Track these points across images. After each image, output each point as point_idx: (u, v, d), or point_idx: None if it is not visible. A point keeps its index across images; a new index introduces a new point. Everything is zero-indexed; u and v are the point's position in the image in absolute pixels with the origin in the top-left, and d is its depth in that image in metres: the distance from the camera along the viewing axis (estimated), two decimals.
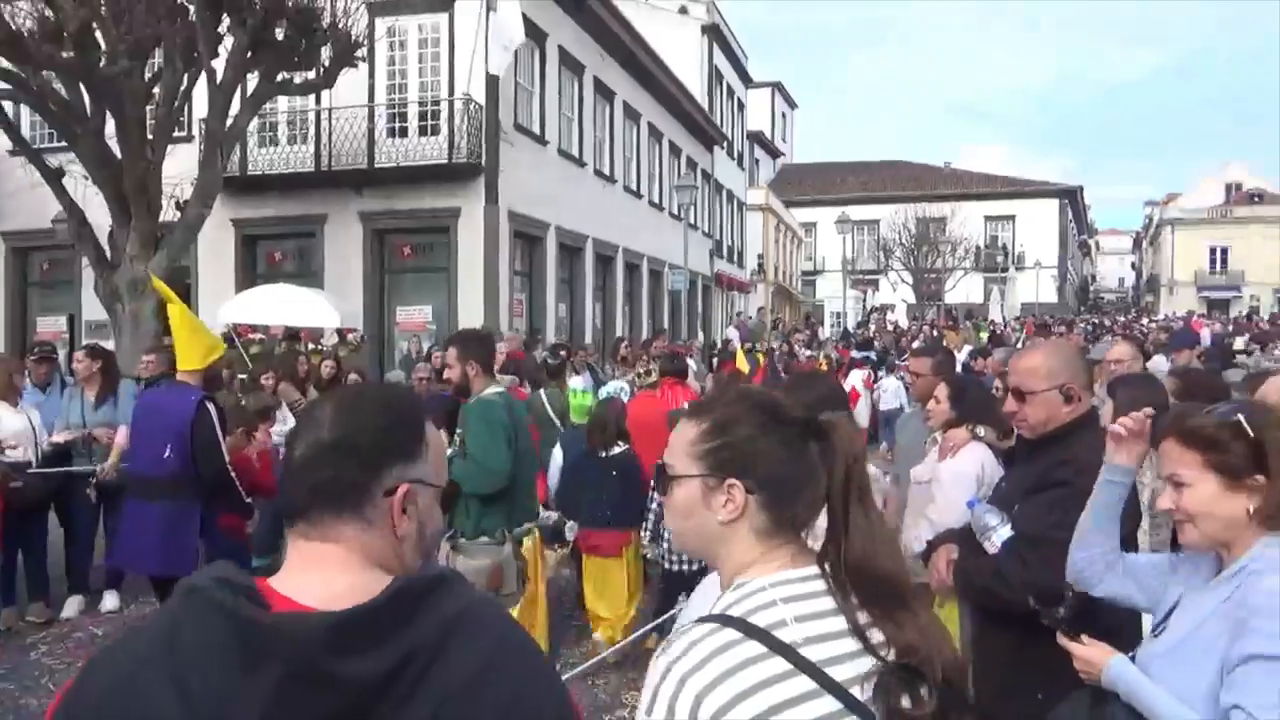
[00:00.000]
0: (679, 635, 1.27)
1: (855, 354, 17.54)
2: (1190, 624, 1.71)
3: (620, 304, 22.01)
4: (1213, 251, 58.25)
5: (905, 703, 1.22)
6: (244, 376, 9.12)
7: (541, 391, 7.77)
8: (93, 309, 13.54)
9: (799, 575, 1.30)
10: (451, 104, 14.98)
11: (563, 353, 9.43)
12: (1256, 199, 60.17)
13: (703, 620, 1.27)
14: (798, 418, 1.37)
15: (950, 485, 3.43)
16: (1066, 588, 2.02)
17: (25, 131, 12.09)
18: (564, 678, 1.46)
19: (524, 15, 16.08)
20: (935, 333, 24.47)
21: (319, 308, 12.98)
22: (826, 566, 1.31)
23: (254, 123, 12.82)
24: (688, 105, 26.54)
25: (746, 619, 1.24)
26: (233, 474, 5.00)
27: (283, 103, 14.66)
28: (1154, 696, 1.64)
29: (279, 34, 10.31)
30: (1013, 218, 48.52)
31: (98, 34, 9.37)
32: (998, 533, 2.17)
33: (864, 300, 42.02)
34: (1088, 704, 1.73)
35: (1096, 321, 34.54)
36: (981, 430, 3.69)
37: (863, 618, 1.26)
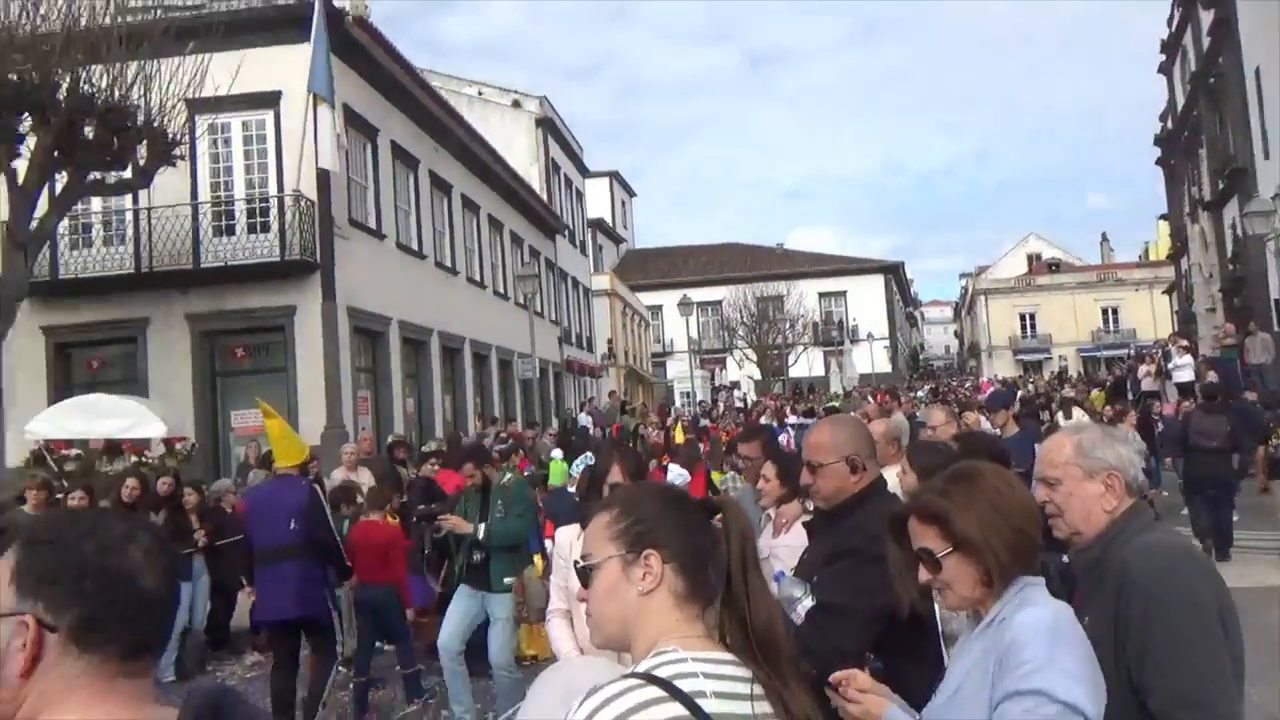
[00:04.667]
0: (596, 691, 1.28)
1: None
2: (959, 675, 1.83)
3: (470, 395, 21.76)
4: (1023, 317, 63.20)
5: None
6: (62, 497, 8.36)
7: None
8: None
9: (716, 656, 1.35)
10: (281, 200, 14.69)
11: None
12: (1054, 268, 65.94)
13: (626, 676, 1.30)
14: (694, 497, 1.51)
15: (786, 560, 3.50)
16: (865, 653, 2.11)
17: None
18: None
19: (355, 111, 16.11)
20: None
21: (141, 417, 12.23)
22: (727, 640, 1.38)
23: (64, 224, 12.16)
24: (526, 195, 26.96)
25: (671, 681, 1.28)
26: (339, 541, 6.40)
27: (96, 203, 14.01)
28: None
29: (88, 132, 9.89)
30: (844, 293, 51.22)
31: None
32: (802, 604, 2.24)
33: (712, 379, 43.11)
34: None
35: (933, 387, 36.59)
36: (812, 504, 3.79)
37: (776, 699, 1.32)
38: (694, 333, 36.84)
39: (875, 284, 52.33)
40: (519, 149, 28.95)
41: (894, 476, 4.15)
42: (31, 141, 9.75)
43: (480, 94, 30.72)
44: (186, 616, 8.22)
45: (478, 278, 22.91)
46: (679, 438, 14.47)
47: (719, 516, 1.46)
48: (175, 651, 8.00)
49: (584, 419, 23.88)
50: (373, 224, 16.99)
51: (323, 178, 14.65)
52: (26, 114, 9.51)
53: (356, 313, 15.83)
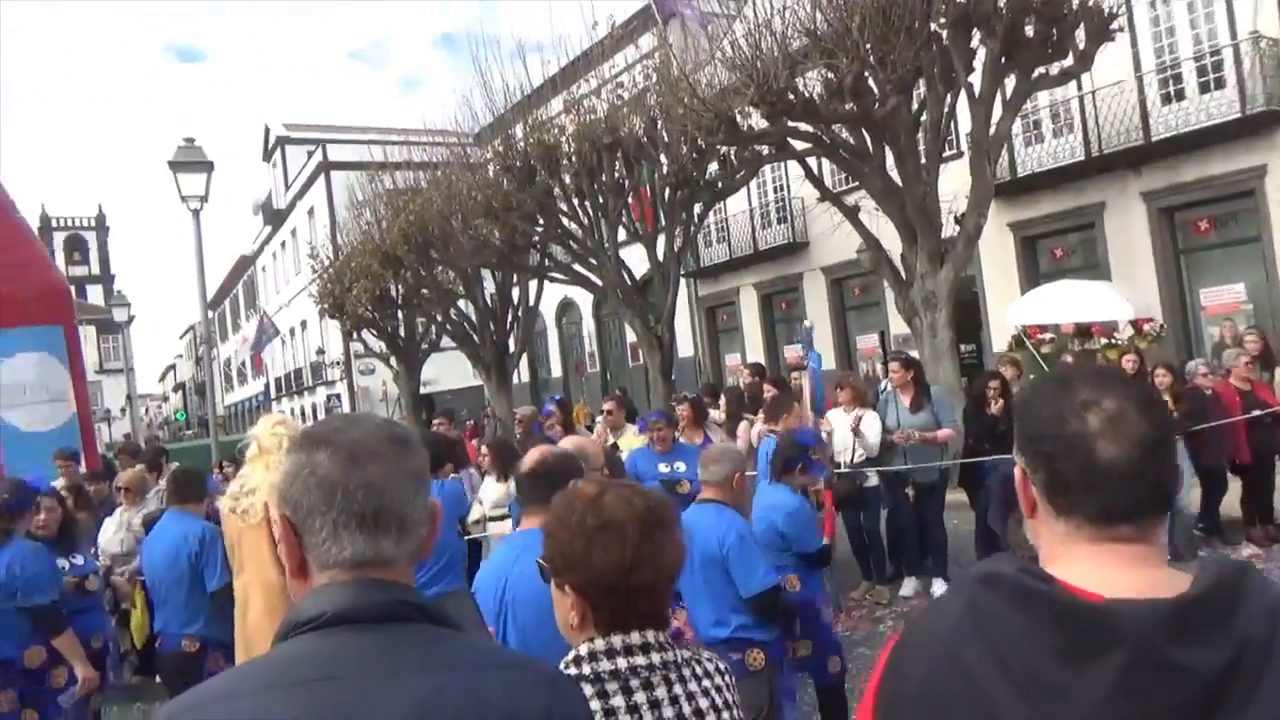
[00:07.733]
0: None
1: None
2: None
3: None
4: None
5: None
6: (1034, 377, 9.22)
7: None
8: (898, 323, 15.11)
9: None
10: (1236, 49, 13.06)
11: None
12: None
13: None
14: None
15: None
16: None
17: (826, 180, 14.18)
18: None
19: None
20: None
21: (1108, 301, 12.50)
22: None
23: (1016, 125, 13.01)
24: None
25: None
26: None
27: (1042, 98, 14.47)
28: None
29: (1028, 32, 10.35)
30: None
31: (870, 82, 10.64)
32: None
33: None
34: None
35: None
36: None
37: None
38: None
39: None
40: None
41: None
42: (982, 54, 10.67)
43: None
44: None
45: None
46: None
47: None
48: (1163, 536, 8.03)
49: None
50: None
51: None
52: (975, 30, 10.43)
53: None
